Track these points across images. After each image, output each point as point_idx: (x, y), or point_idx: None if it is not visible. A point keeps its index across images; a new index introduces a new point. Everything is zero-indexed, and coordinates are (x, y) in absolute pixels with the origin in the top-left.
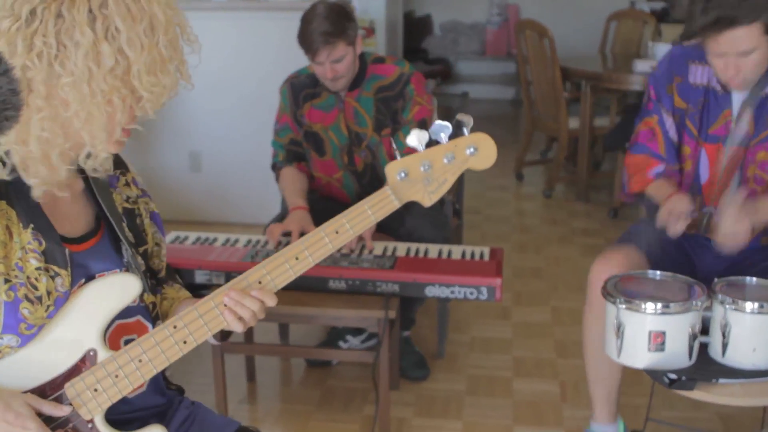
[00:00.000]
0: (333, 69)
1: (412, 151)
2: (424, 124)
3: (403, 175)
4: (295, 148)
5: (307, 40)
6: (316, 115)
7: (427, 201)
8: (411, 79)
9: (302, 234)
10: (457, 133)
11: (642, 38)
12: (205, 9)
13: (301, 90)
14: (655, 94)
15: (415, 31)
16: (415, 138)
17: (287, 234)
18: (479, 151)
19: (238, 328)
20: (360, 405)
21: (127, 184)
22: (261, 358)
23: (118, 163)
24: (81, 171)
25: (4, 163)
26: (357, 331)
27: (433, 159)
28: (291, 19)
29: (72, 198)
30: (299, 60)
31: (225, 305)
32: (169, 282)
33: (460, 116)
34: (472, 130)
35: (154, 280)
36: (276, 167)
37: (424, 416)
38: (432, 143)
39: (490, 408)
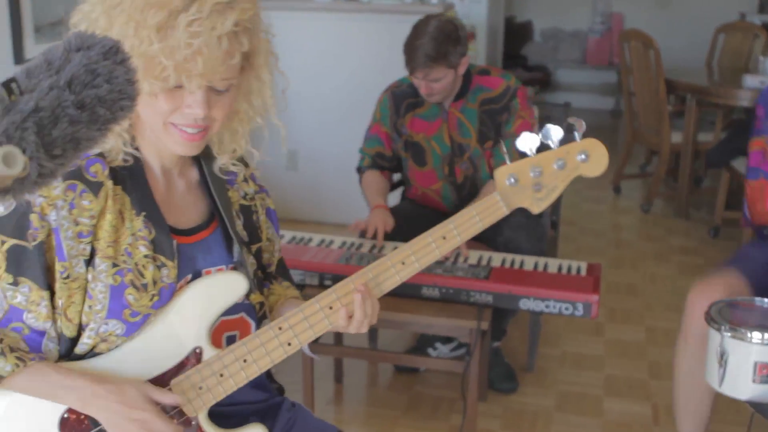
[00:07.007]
0: (428, 87)
1: (520, 157)
2: None
3: (513, 180)
4: (380, 161)
5: (409, 54)
6: (419, 125)
7: (536, 208)
8: (517, 93)
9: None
10: (567, 137)
11: (751, 52)
12: (308, 9)
13: (403, 99)
14: (763, 113)
15: (515, 36)
16: (526, 142)
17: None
18: (591, 157)
19: (348, 327)
20: (447, 413)
21: (246, 180)
22: (349, 361)
23: (238, 158)
24: (197, 161)
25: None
26: (446, 339)
27: (544, 164)
28: (394, 23)
29: (186, 188)
30: (401, 65)
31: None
32: (279, 279)
33: (572, 119)
34: (584, 136)
35: (262, 274)
36: (360, 170)
37: (511, 429)
38: (543, 148)
39: (578, 426)
